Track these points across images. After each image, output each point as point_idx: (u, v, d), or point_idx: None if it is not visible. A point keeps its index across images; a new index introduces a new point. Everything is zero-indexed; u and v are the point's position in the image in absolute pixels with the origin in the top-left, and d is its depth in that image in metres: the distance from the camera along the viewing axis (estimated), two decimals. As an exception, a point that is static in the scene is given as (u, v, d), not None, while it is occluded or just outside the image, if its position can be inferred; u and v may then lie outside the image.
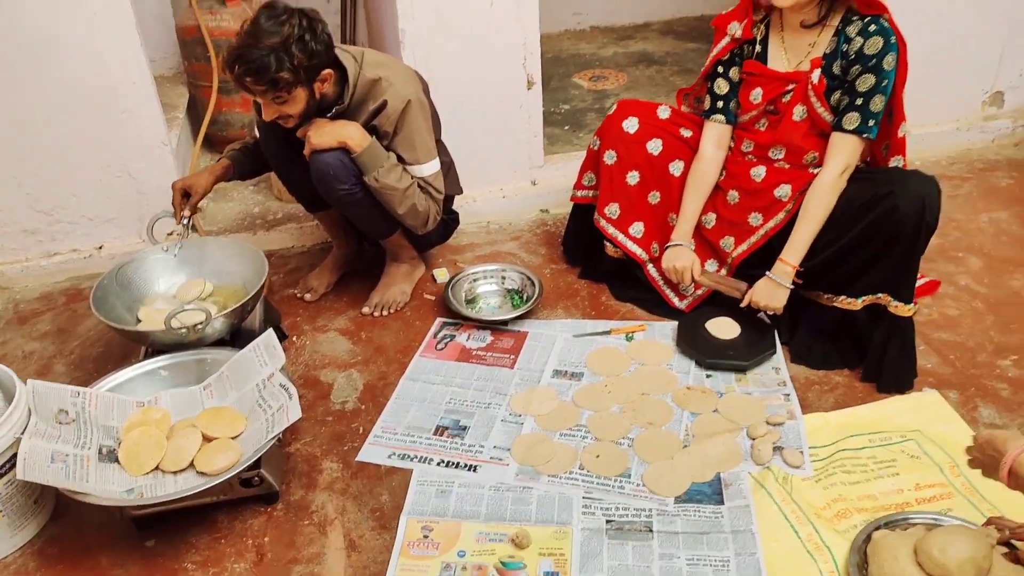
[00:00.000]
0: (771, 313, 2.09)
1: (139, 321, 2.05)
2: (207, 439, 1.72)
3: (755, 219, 2.14)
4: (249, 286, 2.06)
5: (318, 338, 2.28)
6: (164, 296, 2.14)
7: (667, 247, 2.21)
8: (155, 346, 1.96)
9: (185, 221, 2.12)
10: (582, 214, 2.43)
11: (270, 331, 1.87)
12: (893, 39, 1.86)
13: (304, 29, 1.87)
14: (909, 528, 1.54)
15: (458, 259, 2.61)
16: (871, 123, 1.91)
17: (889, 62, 1.86)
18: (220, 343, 1.98)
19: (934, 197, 1.86)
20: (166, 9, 3.30)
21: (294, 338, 2.27)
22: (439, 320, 2.33)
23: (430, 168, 2.14)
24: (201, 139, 2.90)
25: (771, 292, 2.05)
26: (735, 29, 2.06)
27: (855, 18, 1.91)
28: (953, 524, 1.52)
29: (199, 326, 1.88)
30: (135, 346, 2.08)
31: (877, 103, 1.89)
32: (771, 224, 2.11)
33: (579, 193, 2.41)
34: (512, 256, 2.61)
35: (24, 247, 2.57)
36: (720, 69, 2.13)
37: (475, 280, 2.41)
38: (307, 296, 2.43)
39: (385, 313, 2.36)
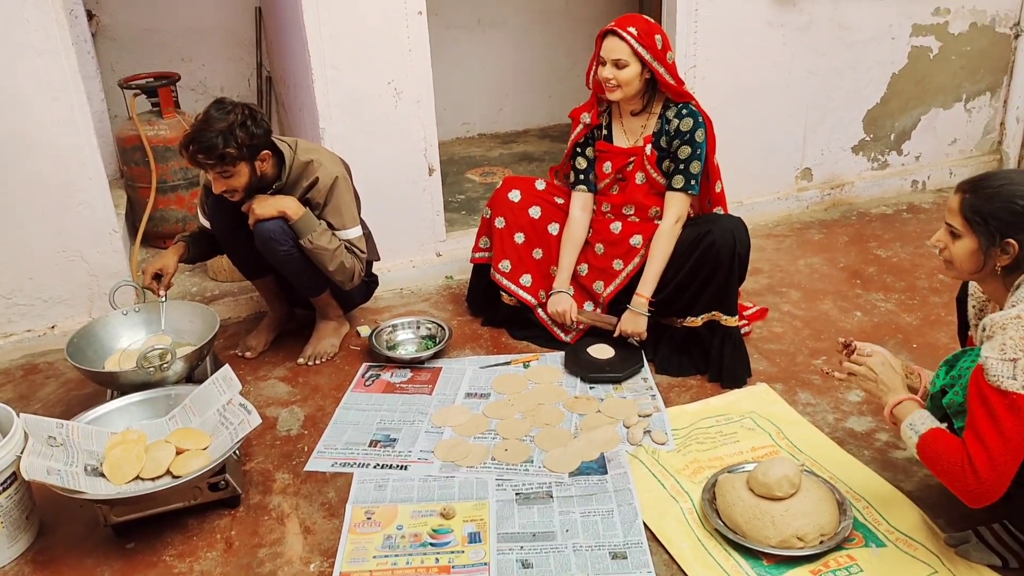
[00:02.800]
0: (637, 340, 2.62)
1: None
2: (179, 451, 2.05)
3: (617, 264, 2.69)
4: (203, 338, 2.43)
5: (261, 385, 2.64)
6: (126, 352, 2.47)
7: (550, 295, 2.72)
8: (123, 388, 2.29)
9: (164, 299, 2.50)
10: (480, 272, 2.92)
11: (226, 366, 2.24)
12: (700, 118, 2.51)
13: (246, 116, 2.35)
14: (743, 472, 2.03)
15: (377, 318, 3.04)
16: (692, 182, 2.52)
17: (700, 135, 2.49)
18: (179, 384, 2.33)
19: (741, 231, 2.46)
20: (105, 124, 3.71)
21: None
22: (365, 364, 2.74)
23: (354, 232, 2.61)
24: (141, 232, 3.27)
25: (634, 320, 2.58)
26: (586, 118, 2.67)
27: (672, 105, 2.55)
28: (773, 458, 2.02)
29: (165, 365, 2.23)
30: (95, 401, 2.39)
31: (695, 167, 2.51)
32: (630, 267, 2.67)
33: (476, 255, 2.91)
34: (424, 313, 3.06)
35: (-20, 329, 2.84)
36: (579, 150, 2.72)
37: (394, 330, 2.85)
38: (248, 354, 2.80)
39: (318, 362, 2.75)
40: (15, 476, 1.93)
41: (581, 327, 2.76)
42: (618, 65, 2.45)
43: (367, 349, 2.77)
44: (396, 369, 2.69)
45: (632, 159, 2.61)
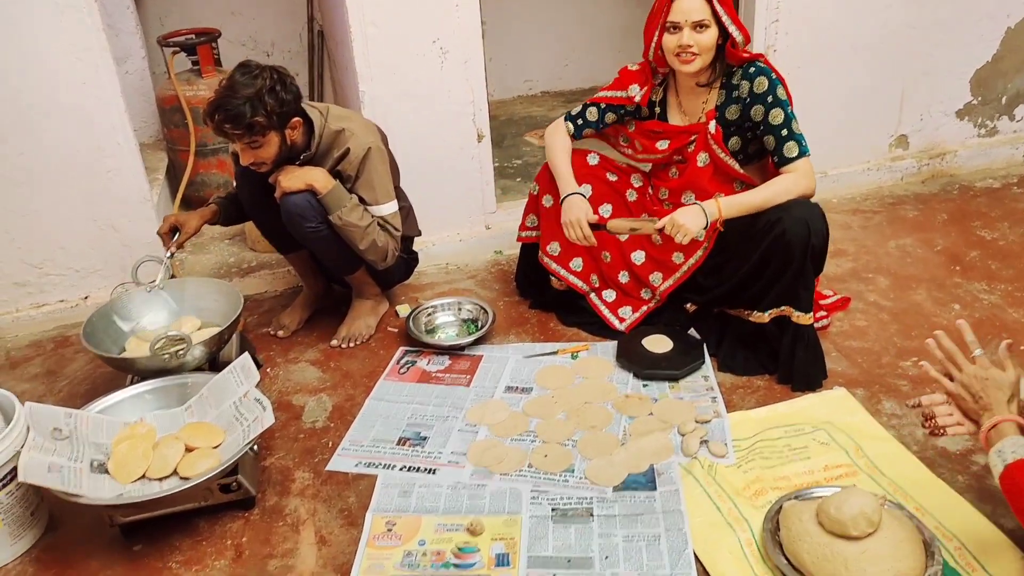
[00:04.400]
0: (688, 243, 2.16)
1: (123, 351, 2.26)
2: (189, 449, 1.90)
3: (678, 257, 2.41)
4: (226, 320, 2.27)
5: (290, 368, 2.48)
6: (149, 332, 2.34)
7: (562, 200, 2.36)
8: (140, 374, 2.15)
9: (170, 256, 2.34)
10: (529, 251, 2.68)
11: (245, 354, 2.07)
12: (773, 75, 2.17)
13: (275, 81, 2.14)
14: (814, 499, 1.76)
15: (419, 296, 2.84)
16: (804, 143, 2.18)
17: (781, 93, 2.16)
18: (199, 370, 2.18)
19: (817, 220, 2.12)
20: (147, 83, 3.57)
21: (268, 369, 2.47)
22: (401, 348, 2.54)
23: (389, 208, 2.39)
24: (180, 197, 3.13)
25: (693, 216, 2.15)
26: (635, 92, 2.36)
27: (734, 69, 2.22)
28: (848, 488, 1.74)
29: (180, 352, 2.08)
30: (121, 379, 2.27)
31: (796, 126, 2.18)
32: (692, 261, 2.39)
33: (523, 234, 2.66)
34: (470, 292, 2.85)
35: (14, 299, 2.76)
36: (602, 107, 2.43)
37: (433, 312, 2.64)
38: (280, 333, 2.64)
39: (352, 345, 2.57)
40: (16, 471, 1.80)
41: (637, 315, 2.50)
42: (700, 27, 2.14)
43: (405, 331, 2.58)
44: (434, 355, 2.49)
45: (694, 137, 2.30)
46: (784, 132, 2.16)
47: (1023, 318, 2.45)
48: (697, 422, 2.11)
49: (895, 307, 2.57)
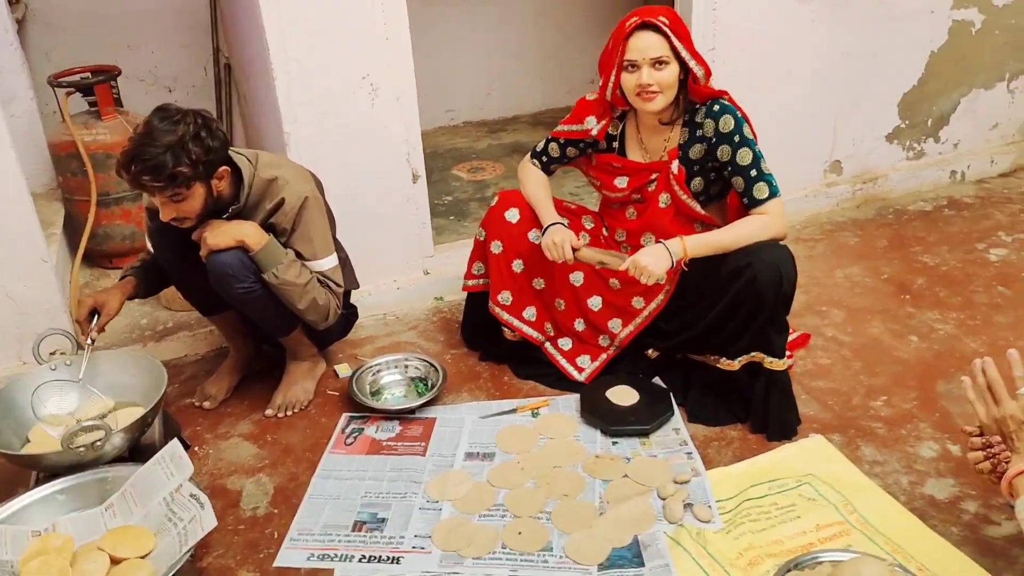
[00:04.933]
0: (652, 282, 2.05)
1: (28, 442, 1.96)
2: (115, 561, 1.64)
3: (638, 303, 2.29)
4: (147, 399, 2.01)
5: (221, 445, 2.23)
6: (56, 417, 2.05)
7: (544, 229, 2.22)
8: (50, 471, 1.87)
9: (91, 343, 2.07)
10: (476, 301, 2.50)
11: (175, 441, 1.82)
12: (738, 113, 2.08)
13: (199, 127, 1.91)
14: (817, 567, 1.65)
15: (358, 352, 2.63)
16: (774, 183, 2.08)
17: (748, 132, 2.07)
18: (119, 460, 1.92)
19: (788, 264, 2.03)
20: (36, 126, 3.23)
21: (196, 448, 2.21)
22: (345, 415, 2.32)
23: (328, 262, 2.18)
24: (81, 254, 2.82)
25: (656, 256, 2.04)
26: (591, 124, 2.22)
27: (698, 107, 2.12)
28: (856, 557, 1.64)
29: (98, 443, 1.81)
30: (24, 477, 1.97)
31: (765, 166, 2.08)
32: (653, 306, 2.28)
33: (470, 283, 2.48)
34: (412, 345, 2.65)
35: None
36: (561, 142, 2.31)
37: (378, 371, 2.43)
38: (206, 404, 2.37)
39: (289, 413, 2.33)
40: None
41: (596, 364, 2.36)
42: (659, 64, 2.02)
43: (347, 394, 2.36)
44: (382, 421, 2.28)
45: (655, 176, 2.19)
46: (753, 172, 2.07)
47: (981, 347, 2.44)
48: (676, 482, 1.97)
49: (854, 342, 2.52)
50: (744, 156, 2.06)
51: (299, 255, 2.13)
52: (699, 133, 2.12)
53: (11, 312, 2.45)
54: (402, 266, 2.87)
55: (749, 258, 2.03)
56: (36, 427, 2.03)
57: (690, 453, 2.08)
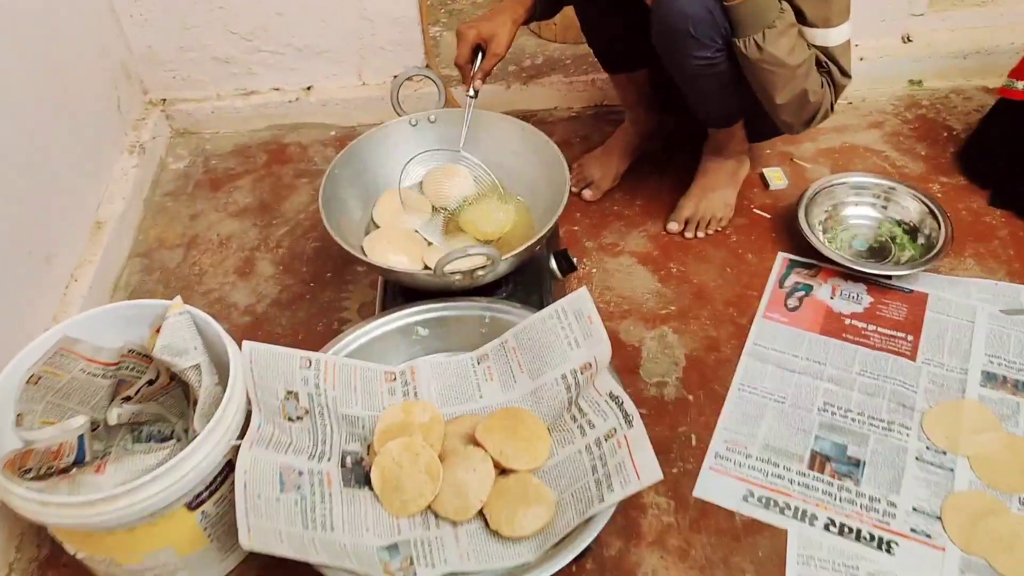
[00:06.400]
0: None
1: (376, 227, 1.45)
2: (500, 469, 1.13)
3: None
4: (536, 197, 1.41)
5: (608, 265, 1.61)
6: (417, 197, 1.50)
7: None
8: (405, 286, 1.35)
9: (473, 95, 1.44)
10: (1014, 115, 1.57)
11: (583, 291, 1.20)
12: None
13: None
14: None
15: (793, 153, 1.83)
16: None
17: None
18: (495, 285, 1.35)
19: None
20: None
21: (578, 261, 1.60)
22: (782, 256, 1.60)
23: (841, 33, 1.33)
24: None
25: None
26: None
27: None
28: None
29: (480, 272, 1.24)
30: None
31: None
32: None
33: (1020, 85, 1.54)
34: (876, 155, 1.80)
35: (215, 79, 1.96)
36: None
37: (837, 198, 1.64)
38: (586, 193, 1.73)
39: (700, 235, 1.64)
40: (231, 467, 1.09)
41: None
42: None
43: (784, 216, 1.62)
44: (840, 279, 1.54)
45: None
46: None
47: None
48: None
49: None
50: None
51: (799, 15, 1.29)
52: None
53: (352, 14, 1.85)
54: (873, 25, 1.91)
55: None
56: (383, 195, 1.50)
57: None
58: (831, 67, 1.34)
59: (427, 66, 1.89)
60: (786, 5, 1.27)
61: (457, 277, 1.23)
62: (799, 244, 1.58)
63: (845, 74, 1.34)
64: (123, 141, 1.83)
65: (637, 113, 1.72)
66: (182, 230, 1.74)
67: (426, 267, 1.37)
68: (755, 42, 1.27)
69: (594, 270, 1.60)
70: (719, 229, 1.65)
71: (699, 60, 1.31)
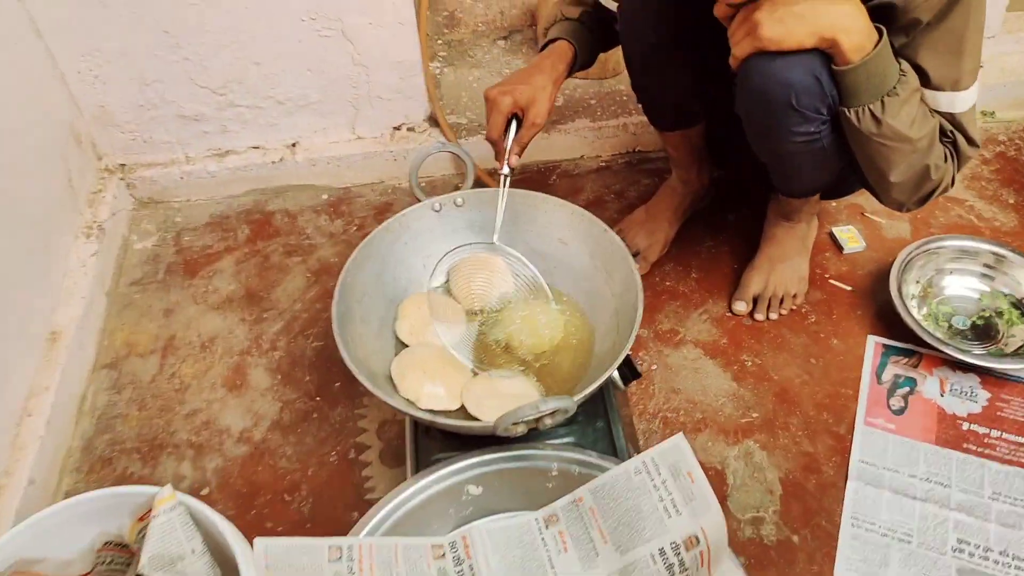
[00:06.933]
0: None
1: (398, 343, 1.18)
2: None
3: None
4: (591, 299, 1.16)
5: (670, 360, 1.36)
6: (438, 295, 1.24)
7: None
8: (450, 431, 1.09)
9: (508, 171, 1.18)
10: None
11: (678, 440, 0.95)
12: None
13: None
14: None
15: (864, 206, 1.59)
16: None
17: None
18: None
19: None
20: None
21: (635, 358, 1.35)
22: (873, 340, 1.36)
23: (969, 98, 1.08)
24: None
25: None
26: None
27: None
28: None
29: (547, 419, 0.99)
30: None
31: None
32: None
33: None
34: (959, 205, 1.58)
35: (181, 140, 1.66)
36: None
37: (935, 271, 1.40)
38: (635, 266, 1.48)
39: (773, 316, 1.40)
40: None
41: None
42: None
43: (867, 286, 1.39)
44: (949, 370, 1.31)
45: None
46: None
47: None
48: None
49: None
50: None
51: (922, 77, 1.04)
52: None
53: (345, 59, 1.57)
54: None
55: None
56: (407, 300, 1.23)
57: None
58: (956, 136, 1.10)
59: (447, 138, 1.60)
60: (906, 66, 1.02)
61: (520, 429, 0.98)
62: (891, 323, 1.35)
63: (972, 143, 1.11)
64: (77, 223, 1.53)
65: (688, 173, 1.47)
66: (155, 330, 1.46)
67: (464, 409, 1.11)
68: (871, 113, 1.02)
69: (654, 366, 1.35)
70: (794, 307, 1.41)
71: (799, 137, 1.06)
